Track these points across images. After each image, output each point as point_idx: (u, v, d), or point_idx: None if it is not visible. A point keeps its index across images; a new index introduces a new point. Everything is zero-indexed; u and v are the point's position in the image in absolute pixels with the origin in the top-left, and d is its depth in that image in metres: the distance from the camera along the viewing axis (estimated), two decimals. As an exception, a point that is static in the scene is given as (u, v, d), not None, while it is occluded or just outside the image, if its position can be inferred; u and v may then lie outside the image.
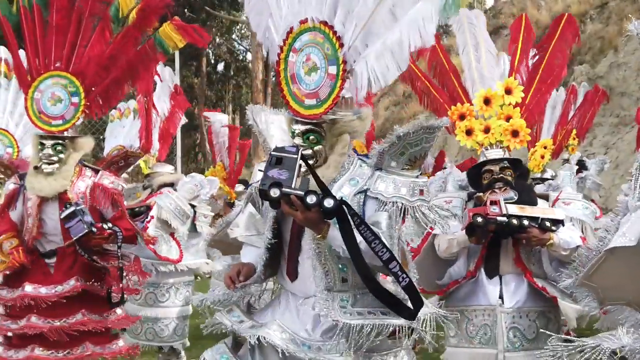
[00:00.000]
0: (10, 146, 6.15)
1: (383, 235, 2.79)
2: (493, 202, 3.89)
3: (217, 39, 30.30)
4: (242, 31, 31.65)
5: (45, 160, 4.53)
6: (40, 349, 4.45)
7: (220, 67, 32.77)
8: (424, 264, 4.12)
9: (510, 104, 4.17)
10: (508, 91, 4.19)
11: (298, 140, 2.94)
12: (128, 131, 7.92)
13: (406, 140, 2.97)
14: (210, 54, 29.18)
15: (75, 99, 4.63)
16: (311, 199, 2.67)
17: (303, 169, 2.77)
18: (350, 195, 2.90)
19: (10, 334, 4.65)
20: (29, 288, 4.48)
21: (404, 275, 2.73)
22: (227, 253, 3.47)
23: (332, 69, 2.89)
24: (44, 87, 4.61)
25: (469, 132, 4.21)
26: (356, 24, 2.88)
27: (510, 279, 4.07)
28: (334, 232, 2.76)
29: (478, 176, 4.18)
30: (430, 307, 3.02)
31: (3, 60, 6.23)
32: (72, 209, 4.44)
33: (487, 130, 4.17)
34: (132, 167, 6.47)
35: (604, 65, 14.70)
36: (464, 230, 3.99)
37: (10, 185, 4.66)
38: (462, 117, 4.25)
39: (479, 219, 3.86)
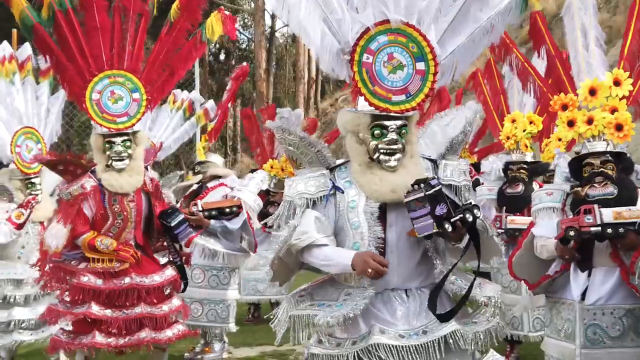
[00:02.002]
0: (39, 142, 6.27)
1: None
2: (587, 211, 3.76)
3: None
4: (245, 20, 31.62)
5: (116, 158, 4.64)
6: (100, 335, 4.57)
7: (222, 56, 32.72)
8: (524, 259, 4.15)
9: (617, 96, 3.97)
10: (616, 83, 3.97)
11: (393, 136, 3.08)
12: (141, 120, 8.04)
13: (469, 128, 3.30)
14: (212, 43, 29.17)
15: (135, 95, 4.72)
16: (469, 217, 2.93)
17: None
18: None
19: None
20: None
21: None
22: (275, 279, 3.45)
23: (421, 65, 3.14)
24: (101, 87, 4.68)
25: (570, 123, 4.05)
26: (439, 24, 3.19)
27: (600, 273, 3.94)
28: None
29: (579, 168, 4.05)
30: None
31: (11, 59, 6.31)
32: (181, 216, 4.74)
33: (590, 121, 3.98)
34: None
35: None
36: (557, 241, 3.90)
37: (88, 183, 4.67)
38: (564, 107, 4.08)
39: (572, 233, 3.76)
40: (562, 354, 4.06)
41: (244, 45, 33.15)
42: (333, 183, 3.19)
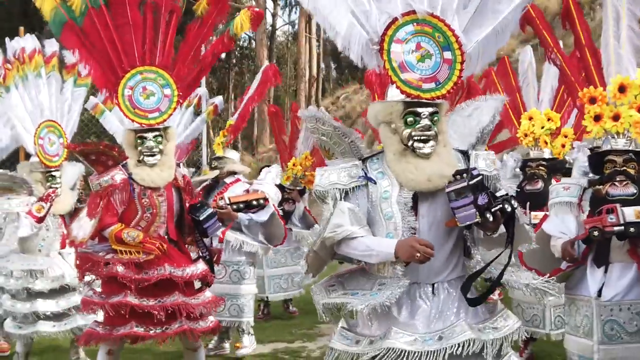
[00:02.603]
0: (61, 136, 6.29)
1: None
2: (610, 210, 3.78)
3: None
4: (246, 17, 31.51)
5: (148, 153, 4.68)
6: (138, 325, 4.56)
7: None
8: (536, 250, 4.07)
9: None
10: None
11: (426, 122, 3.11)
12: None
13: (498, 117, 3.35)
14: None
15: (167, 91, 4.77)
16: (508, 207, 2.99)
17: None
18: None
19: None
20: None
21: None
22: (309, 271, 3.44)
23: (448, 54, 3.20)
24: (133, 83, 4.74)
25: (597, 118, 4.01)
26: (461, 15, 3.27)
27: (617, 269, 3.96)
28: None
29: (600, 163, 4.04)
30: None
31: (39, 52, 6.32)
32: (210, 210, 4.82)
33: (616, 118, 3.95)
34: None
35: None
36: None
37: (118, 176, 4.69)
38: (592, 100, 4.04)
39: (596, 233, 3.81)
40: (581, 350, 4.10)
41: (245, 44, 33.19)
42: (365, 174, 3.21)
